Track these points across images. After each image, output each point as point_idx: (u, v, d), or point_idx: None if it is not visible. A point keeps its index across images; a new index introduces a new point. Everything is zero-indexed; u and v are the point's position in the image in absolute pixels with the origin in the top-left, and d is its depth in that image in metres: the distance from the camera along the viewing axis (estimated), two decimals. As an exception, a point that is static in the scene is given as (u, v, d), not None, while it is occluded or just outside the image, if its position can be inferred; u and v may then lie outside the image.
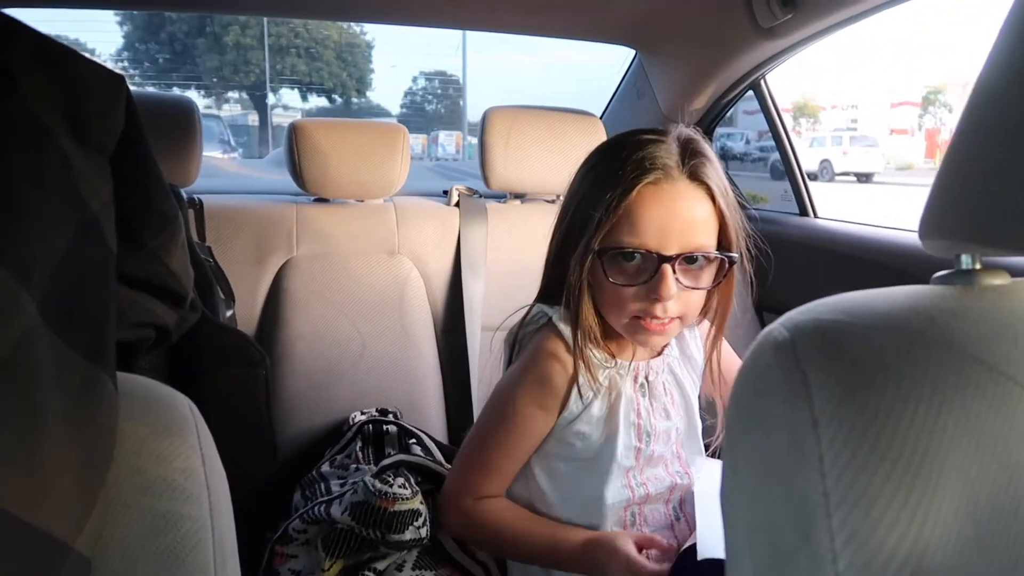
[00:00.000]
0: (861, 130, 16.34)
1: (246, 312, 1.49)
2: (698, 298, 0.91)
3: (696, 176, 0.87)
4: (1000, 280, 0.48)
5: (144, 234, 0.69)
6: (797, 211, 1.81)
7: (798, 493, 0.39)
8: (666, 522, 0.98)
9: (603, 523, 0.94)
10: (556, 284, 0.95)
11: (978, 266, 0.48)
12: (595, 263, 0.89)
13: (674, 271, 0.85)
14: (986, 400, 0.41)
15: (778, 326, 0.45)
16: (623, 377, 0.96)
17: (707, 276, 0.90)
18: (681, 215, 0.86)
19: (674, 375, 1.03)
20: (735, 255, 0.90)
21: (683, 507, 0.99)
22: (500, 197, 1.80)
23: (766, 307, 1.81)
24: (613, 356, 0.96)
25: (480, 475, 0.96)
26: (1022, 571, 0.39)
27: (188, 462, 0.58)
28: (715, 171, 0.89)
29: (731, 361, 1.05)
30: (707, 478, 0.98)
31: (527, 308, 1.00)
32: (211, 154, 10.41)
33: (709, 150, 0.91)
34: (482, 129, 1.69)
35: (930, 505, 0.38)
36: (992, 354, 0.42)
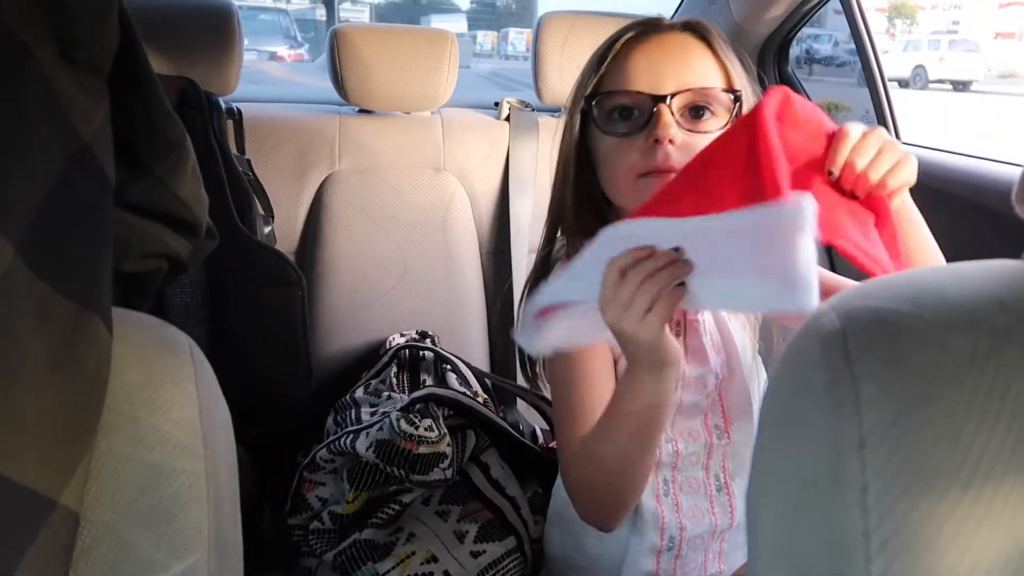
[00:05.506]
0: (963, 33, 15.06)
1: (286, 228, 1.46)
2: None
3: (690, 27, 0.83)
4: None
5: (147, 160, 0.64)
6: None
7: (833, 527, 0.33)
8: (704, 491, 0.87)
9: None
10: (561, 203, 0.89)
11: None
12: (590, 126, 0.83)
13: (672, 112, 0.77)
14: None
15: (829, 311, 0.37)
16: None
17: (714, 122, 0.80)
18: (673, 54, 0.80)
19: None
20: (739, 91, 0.81)
21: (727, 476, 0.88)
22: (554, 111, 1.69)
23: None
24: None
25: (573, 427, 0.84)
26: None
27: (184, 412, 0.55)
28: (719, 37, 0.83)
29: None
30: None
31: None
32: (277, 49, 10.49)
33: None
34: (536, 37, 1.57)
35: (998, 555, 0.31)
36: None
